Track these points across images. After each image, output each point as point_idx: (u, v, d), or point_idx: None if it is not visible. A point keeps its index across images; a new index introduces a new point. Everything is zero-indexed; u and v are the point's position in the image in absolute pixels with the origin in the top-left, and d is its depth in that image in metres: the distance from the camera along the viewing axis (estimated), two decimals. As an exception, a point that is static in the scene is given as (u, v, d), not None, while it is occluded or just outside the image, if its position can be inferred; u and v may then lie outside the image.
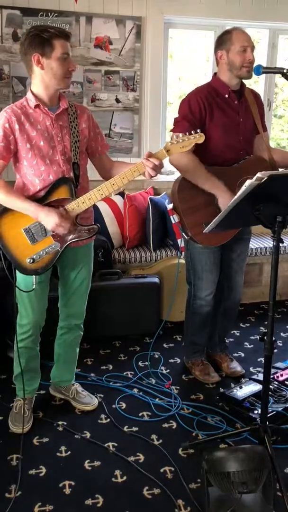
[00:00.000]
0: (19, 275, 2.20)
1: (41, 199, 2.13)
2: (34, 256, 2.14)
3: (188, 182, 2.46)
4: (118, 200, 3.64)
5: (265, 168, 2.51)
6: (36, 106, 2.10)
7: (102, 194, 2.10)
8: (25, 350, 2.37)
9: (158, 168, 2.04)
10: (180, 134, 2.05)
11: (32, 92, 2.12)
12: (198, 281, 2.67)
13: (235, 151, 2.53)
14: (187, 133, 2.05)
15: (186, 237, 2.55)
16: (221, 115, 2.48)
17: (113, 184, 2.09)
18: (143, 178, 3.73)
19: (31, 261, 2.14)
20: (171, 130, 2.52)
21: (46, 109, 2.12)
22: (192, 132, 2.05)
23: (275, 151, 2.66)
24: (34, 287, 2.18)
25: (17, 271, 2.18)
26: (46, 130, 2.13)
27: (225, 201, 2.36)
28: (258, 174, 1.72)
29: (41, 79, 2.09)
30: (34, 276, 2.17)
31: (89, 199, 2.11)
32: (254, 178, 1.73)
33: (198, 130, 2.05)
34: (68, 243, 2.17)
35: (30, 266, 2.14)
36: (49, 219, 2.06)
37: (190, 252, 2.66)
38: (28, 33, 2.06)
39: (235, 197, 1.86)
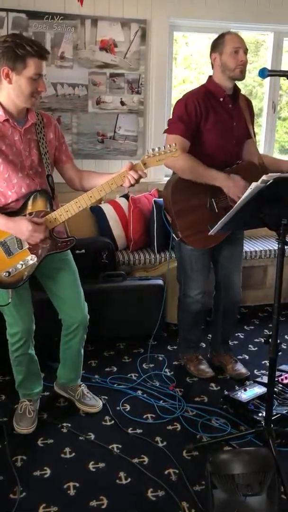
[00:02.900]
0: None
1: (17, 212, 2.10)
2: (10, 270, 2.11)
3: (182, 184, 2.48)
4: (123, 202, 3.65)
5: (257, 173, 2.51)
6: (5, 120, 2.05)
7: (79, 207, 2.10)
8: (23, 358, 2.37)
9: (139, 180, 2.08)
10: (157, 148, 2.07)
11: (1, 104, 2.05)
12: (188, 280, 2.73)
13: (228, 154, 2.56)
14: (163, 147, 2.06)
15: (176, 238, 2.59)
16: (216, 118, 2.51)
17: (91, 197, 2.09)
18: (147, 181, 3.77)
19: (7, 274, 2.11)
20: (165, 131, 2.53)
21: (15, 124, 2.07)
22: (169, 145, 2.06)
23: (264, 157, 2.68)
24: (10, 300, 2.16)
25: None
26: (14, 145, 2.09)
27: (235, 190, 2.40)
28: (264, 177, 1.73)
29: (7, 93, 2.03)
30: (9, 290, 2.15)
31: (67, 211, 2.10)
32: (260, 180, 1.74)
33: (174, 144, 2.06)
34: (45, 255, 2.15)
35: (6, 279, 2.12)
36: (21, 228, 2.04)
37: (180, 252, 2.71)
38: (3, 42, 1.95)
39: (241, 199, 1.86)
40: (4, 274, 2.11)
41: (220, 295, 2.84)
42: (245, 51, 2.48)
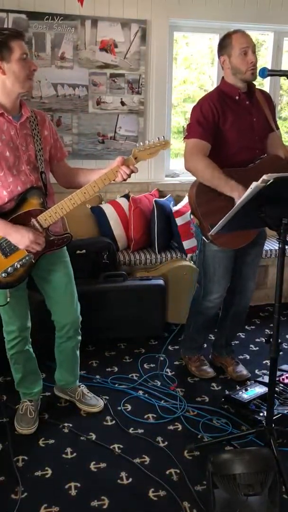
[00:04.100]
0: None
1: (11, 211, 2.09)
2: (9, 270, 2.11)
3: (205, 186, 2.42)
4: (123, 202, 3.65)
5: (282, 166, 2.47)
6: (0, 114, 2.04)
7: (74, 203, 2.09)
8: (20, 355, 2.38)
9: (130, 174, 2.09)
10: (147, 141, 2.06)
11: None
12: (209, 283, 2.67)
13: (251, 152, 2.51)
14: (153, 140, 2.06)
15: (206, 240, 2.51)
16: (235, 117, 2.46)
17: (85, 193, 2.08)
18: (147, 180, 3.78)
19: (5, 275, 2.11)
20: (184, 138, 2.50)
21: (10, 118, 2.06)
22: (158, 138, 2.05)
23: None
24: (8, 300, 2.16)
25: None
26: (11, 140, 2.07)
27: None
28: (264, 177, 1.73)
29: (2, 86, 2.01)
30: (7, 290, 2.14)
31: (61, 209, 2.09)
32: (260, 180, 1.74)
33: (163, 137, 2.07)
34: (41, 253, 2.15)
35: (4, 280, 2.12)
36: (22, 238, 2.04)
37: (204, 255, 2.64)
38: None
39: (241, 198, 1.86)
40: (2, 274, 2.11)
41: (233, 300, 2.81)
42: (253, 49, 2.42)
